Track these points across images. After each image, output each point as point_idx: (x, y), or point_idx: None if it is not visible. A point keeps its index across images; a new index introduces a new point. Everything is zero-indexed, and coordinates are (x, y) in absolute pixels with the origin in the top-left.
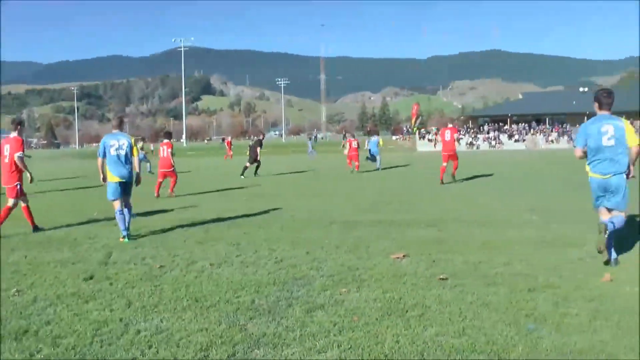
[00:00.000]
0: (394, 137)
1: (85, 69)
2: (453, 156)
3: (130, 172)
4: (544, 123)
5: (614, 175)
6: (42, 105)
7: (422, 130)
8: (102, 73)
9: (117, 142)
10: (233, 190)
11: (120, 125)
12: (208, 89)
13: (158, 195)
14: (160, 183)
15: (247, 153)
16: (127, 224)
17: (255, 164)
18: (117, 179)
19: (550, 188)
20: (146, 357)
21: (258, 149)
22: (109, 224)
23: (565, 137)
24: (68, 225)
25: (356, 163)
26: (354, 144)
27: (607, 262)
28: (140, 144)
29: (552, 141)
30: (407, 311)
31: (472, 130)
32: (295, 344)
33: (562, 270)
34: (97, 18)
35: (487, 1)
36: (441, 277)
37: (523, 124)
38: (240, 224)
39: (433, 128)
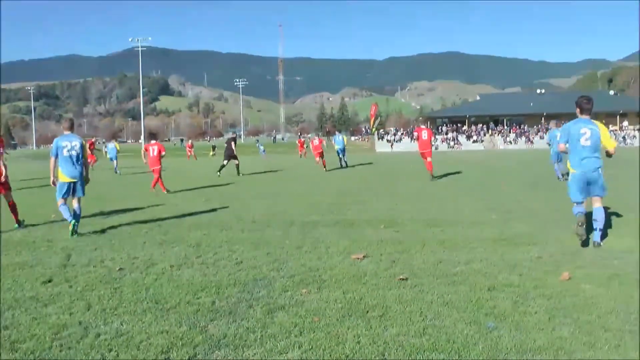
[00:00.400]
0: (353, 138)
1: (42, 68)
2: (429, 153)
3: (81, 172)
4: (502, 124)
5: (593, 171)
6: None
7: (381, 131)
8: (59, 73)
9: (69, 144)
10: (192, 191)
11: (71, 127)
12: (166, 90)
13: (164, 190)
14: (154, 182)
15: (211, 153)
16: (77, 217)
17: (233, 161)
18: (68, 179)
19: (509, 187)
20: None
21: (233, 146)
22: (67, 225)
23: (523, 138)
24: (26, 227)
25: (323, 160)
26: (316, 142)
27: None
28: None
29: (510, 142)
30: (367, 311)
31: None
32: (256, 345)
33: (521, 269)
34: (54, 16)
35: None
36: (401, 277)
37: (481, 125)
38: (200, 225)
39: (392, 129)
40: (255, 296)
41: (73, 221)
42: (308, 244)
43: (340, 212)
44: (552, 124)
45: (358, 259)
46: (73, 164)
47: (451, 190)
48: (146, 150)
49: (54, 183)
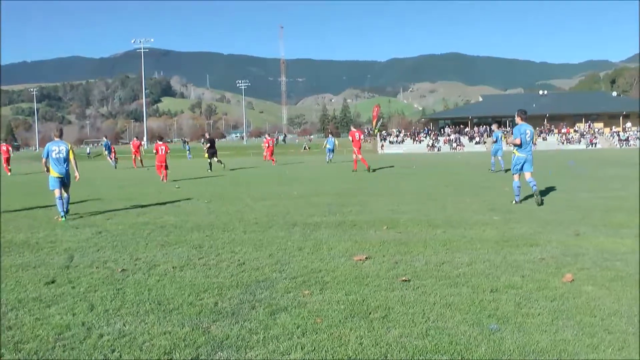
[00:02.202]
0: None
1: (45, 70)
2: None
3: (67, 170)
4: (504, 125)
5: (529, 154)
6: (1, 107)
7: (383, 132)
8: (62, 74)
9: (57, 148)
10: (194, 193)
11: (60, 135)
12: (168, 91)
13: (164, 179)
14: (160, 171)
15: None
16: (65, 208)
17: (214, 159)
18: (57, 175)
19: (511, 188)
20: None
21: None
22: (70, 227)
23: None
24: (29, 228)
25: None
26: (161, 150)
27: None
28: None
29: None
30: (370, 313)
31: (432, 133)
32: (258, 346)
33: (523, 270)
34: (56, 18)
35: (447, 1)
36: (404, 278)
37: (483, 127)
38: (203, 226)
39: (394, 130)
40: (257, 297)
41: (63, 217)
42: (310, 245)
43: (342, 213)
44: (494, 126)
45: (360, 260)
46: (61, 164)
47: (453, 191)
48: (156, 149)
49: (47, 171)
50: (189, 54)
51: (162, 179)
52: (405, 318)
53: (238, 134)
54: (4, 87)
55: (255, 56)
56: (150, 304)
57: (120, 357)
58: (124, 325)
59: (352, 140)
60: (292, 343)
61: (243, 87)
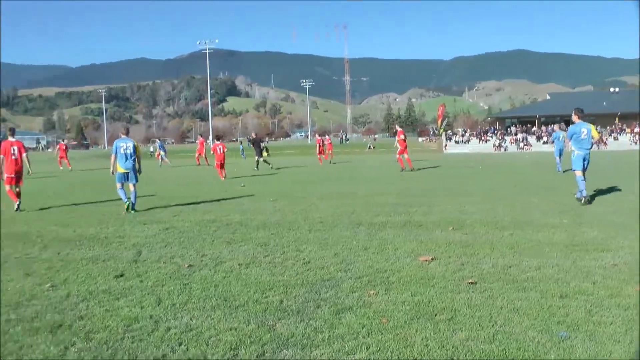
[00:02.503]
0: (420, 139)
1: (113, 71)
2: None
3: (133, 165)
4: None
5: (588, 152)
6: (71, 107)
7: (449, 132)
8: (129, 75)
9: (125, 144)
10: (260, 191)
11: (127, 133)
12: (233, 91)
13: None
14: (220, 170)
15: (266, 153)
16: (132, 202)
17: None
18: (123, 170)
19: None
20: (176, 354)
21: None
22: (138, 223)
23: None
24: (99, 223)
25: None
26: (219, 150)
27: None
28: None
29: None
30: (436, 315)
31: (499, 132)
32: (323, 345)
33: (594, 276)
34: (123, 21)
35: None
36: (470, 280)
37: (551, 126)
38: (268, 225)
39: (460, 129)
40: (322, 296)
41: (127, 202)
42: (375, 245)
43: (407, 213)
44: (556, 126)
45: (426, 261)
46: (127, 159)
47: (520, 191)
48: (214, 149)
49: (113, 173)
50: (254, 53)
51: (221, 178)
52: (472, 321)
53: (303, 133)
54: (74, 89)
55: (320, 55)
56: (216, 299)
57: (187, 350)
58: (191, 319)
59: (398, 141)
60: (357, 343)
61: (307, 87)
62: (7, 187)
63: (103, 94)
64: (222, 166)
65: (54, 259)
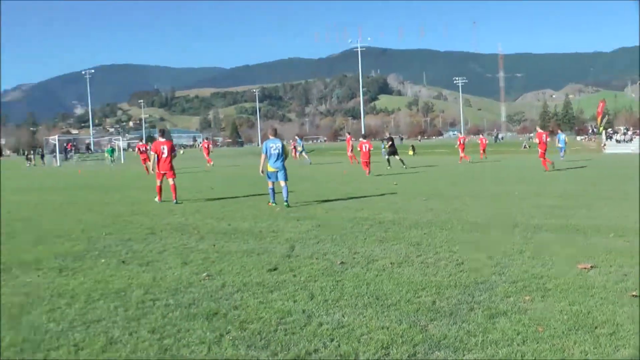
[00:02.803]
0: (578, 138)
1: (266, 71)
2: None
3: (282, 164)
4: None
5: None
6: (226, 107)
7: (609, 130)
8: (282, 75)
9: (274, 145)
10: (412, 190)
11: (275, 134)
12: (385, 89)
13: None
14: (366, 167)
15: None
16: (285, 196)
17: (395, 157)
18: (273, 169)
19: None
20: (328, 350)
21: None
22: (292, 219)
23: None
24: (253, 218)
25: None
26: (365, 148)
27: None
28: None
29: None
30: (596, 327)
31: None
32: (476, 349)
33: None
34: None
35: None
36: (634, 293)
37: None
38: (421, 224)
39: (621, 128)
40: (476, 299)
41: (273, 203)
42: (531, 248)
43: (564, 217)
44: None
45: (585, 269)
46: (277, 159)
47: None
48: (360, 147)
49: (262, 172)
50: (406, 51)
51: (367, 174)
52: (637, 338)
53: (455, 132)
54: (229, 89)
55: (473, 52)
56: (368, 297)
57: (339, 347)
58: (343, 316)
59: (539, 142)
60: (512, 350)
61: (460, 84)
62: (158, 182)
63: (257, 93)
64: (367, 164)
65: (209, 250)
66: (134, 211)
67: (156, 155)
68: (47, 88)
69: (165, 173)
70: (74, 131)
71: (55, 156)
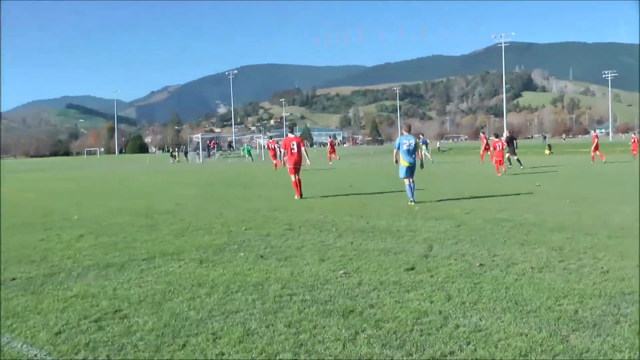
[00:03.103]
0: None
1: (407, 69)
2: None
3: (414, 160)
4: None
5: None
6: (366, 105)
7: None
8: (423, 73)
9: (407, 141)
10: (556, 191)
11: (409, 130)
12: (529, 85)
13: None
14: (497, 166)
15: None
16: (412, 193)
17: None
18: (406, 164)
19: None
20: (464, 353)
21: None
22: (430, 218)
23: None
24: (391, 216)
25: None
26: (498, 147)
27: None
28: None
29: None
30: None
31: None
32: None
33: None
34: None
35: None
36: None
37: None
38: (564, 228)
39: None
40: (622, 312)
41: (412, 200)
42: None
43: None
44: None
45: None
46: (409, 154)
47: None
48: (493, 146)
49: (395, 162)
50: (552, 45)
51: (497, 174)
52: None
53: (603, 130)
54: (369, 87)
55: (625, 43)
56: (507, 302)
57: (475, 351)
58: (480, 319)
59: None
60: None
61: (610, 78)
62: (292, 178)
63: (397, 91)
64: (500, 162)
65: (347, 247)
66: (272, 207)
67: (285, 150)
68: (192, 89)
69: (294, 168)
70: (217, 129)
71: (198, 153)
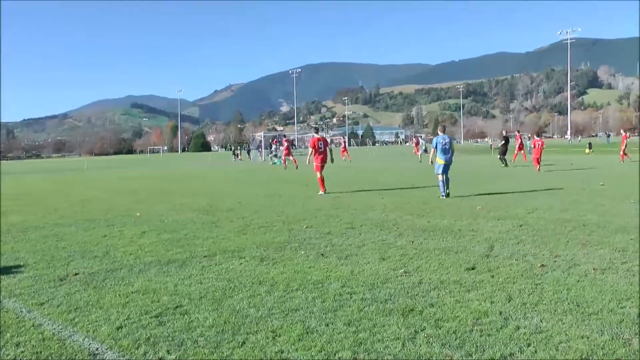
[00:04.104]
0: None
1: (471, 67)
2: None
3: (450, 158)
4: None
5: None
6: (429, 103)
7: None
8: (488, 70)
9: (443, 141)
10: (621, 191)
11: (444, 130)
12: (595, 82)
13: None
14: (536, 164)
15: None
16: (445, 189)
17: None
18: (442, 162)
19: None
20: (524, 355)
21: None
22: (492, 218)
23: None
24: (453, 216)
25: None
26: (537, 145)
27: None
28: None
29: None
30: None
31: None
32: None
33: None
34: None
35: None
36: None
37: None
38: (628, 229)
39: None
40: None
41: (443, 195)
42: None
43: None
44: None
45: None
46: (445, 153)
47: None
48: (533, 144)
49: (431, 162)
50: (618, 40)
51: (536, 169)
52: None
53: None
54: (433, 86)
55: None
56: (568, 303)
57: (536, 352)
58: (541, 321)
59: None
60: None
61: None
62: (318, 175)
63: (461, 89)
64: (537, 160)
65: (408, 246)
66: (334, 205)
67: (313, 149)
68: (255, 88)
69: (321, 165)
70: (279, 128)
71: (260, 151)
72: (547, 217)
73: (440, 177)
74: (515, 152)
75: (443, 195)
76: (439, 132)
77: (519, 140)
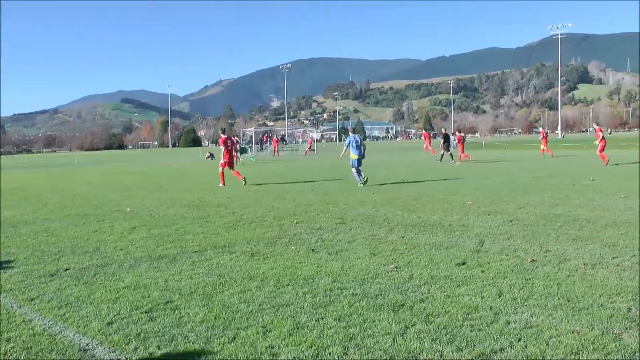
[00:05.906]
0: None
1: (462, 62)
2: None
3: (362, 153)
4: None
5: None
6: (420, 99)
7: None
8: (478, 66)
9: (355, 140)
10: (609, 186)
11: (354, 131)
12: (585, 78)
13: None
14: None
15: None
16: (362, 178)
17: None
18: (356, 157)
19: None
20: (514, 350)
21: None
22: (482, 213)
23: None
24: (443, 211)
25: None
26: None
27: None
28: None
29: None
30: None
31: None
32: None
33: None
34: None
35: None
36: None
37: None
38: (618, 223)
39: None
40: None
41: (361, 184)
42: None
43: None
44: None
45: None
46: (358, 149)
47: None
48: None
49: (341, 157)
50: (609, 36)
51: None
52: None
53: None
54: (423, 81)
55: None
56: (558, 298)
57: (526, 347)
58: (531, 316)
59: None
60: None
61: None
62: (220, 169)
63: (452, 85)
64: (602, 151)
65: (398, 242)
66: (325, 200)
67: (224, 148)
68: (245, 83)
69: (227, 162)
70: (270, 123)
71: (250, 147)
72: (538, 212)
73: (354, 170)
74: (541, 148)
75: (360, 184)
76: (350, 133)
77: (544, 134)
